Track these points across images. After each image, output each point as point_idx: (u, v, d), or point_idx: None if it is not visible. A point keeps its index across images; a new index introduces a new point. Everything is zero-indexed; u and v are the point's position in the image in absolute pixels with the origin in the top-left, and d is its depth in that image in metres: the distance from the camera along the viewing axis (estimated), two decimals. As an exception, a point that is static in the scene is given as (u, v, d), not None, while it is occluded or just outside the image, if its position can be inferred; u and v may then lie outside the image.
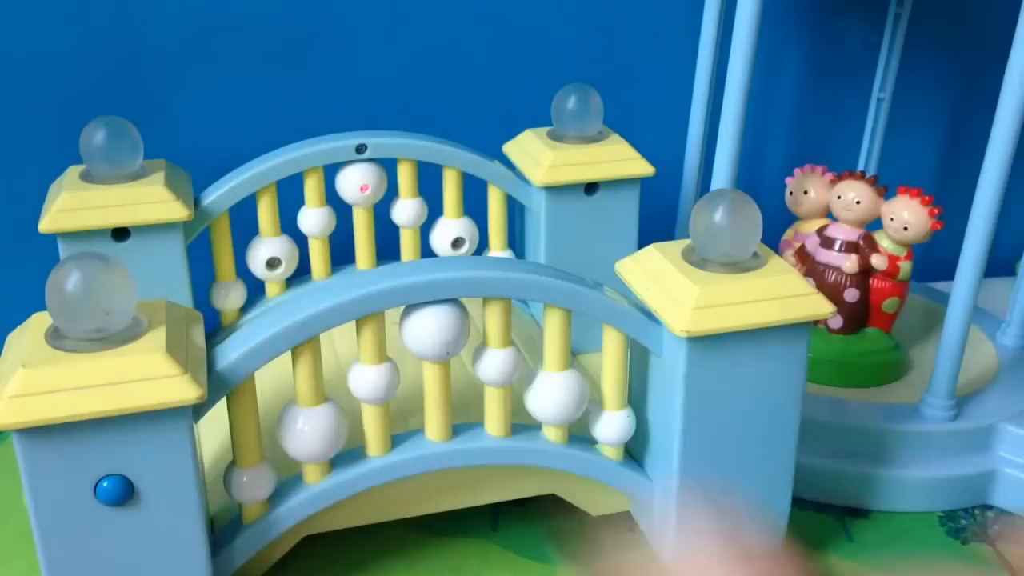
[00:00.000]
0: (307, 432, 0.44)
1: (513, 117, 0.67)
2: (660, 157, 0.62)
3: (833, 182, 0.63)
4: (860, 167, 0.76)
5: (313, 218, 0.61)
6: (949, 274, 0.57)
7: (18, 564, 0.51)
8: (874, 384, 0.61)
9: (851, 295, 0.61)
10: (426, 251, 0.65)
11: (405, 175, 0.62)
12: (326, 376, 0.44)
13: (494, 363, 0.45)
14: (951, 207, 0.62)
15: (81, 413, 0.38)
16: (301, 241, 0.62)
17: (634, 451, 0.50)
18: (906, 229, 0.60)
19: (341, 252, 0.65)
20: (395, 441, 0.47)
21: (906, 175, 0.70)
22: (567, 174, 0.59)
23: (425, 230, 0.64)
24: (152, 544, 0.41)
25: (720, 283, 0.45)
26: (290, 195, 0.62)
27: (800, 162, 0.67)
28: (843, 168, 0.64)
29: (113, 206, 0.54)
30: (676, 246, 0.48)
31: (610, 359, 0.47)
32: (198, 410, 0.41)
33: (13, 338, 0.42)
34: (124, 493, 0.40)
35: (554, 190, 0.59)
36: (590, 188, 0.60)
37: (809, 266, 0.62)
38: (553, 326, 0.46)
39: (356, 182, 0.61)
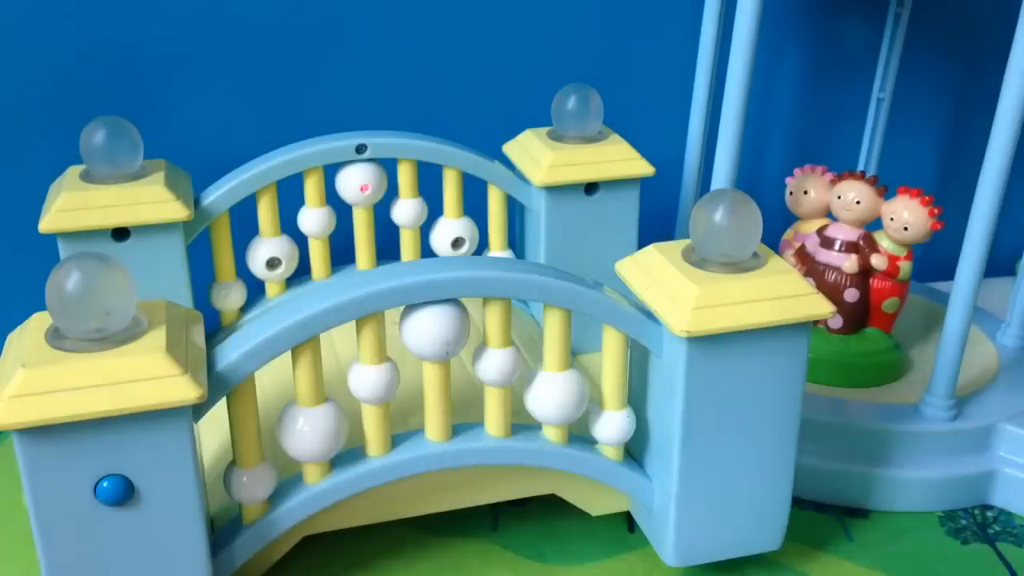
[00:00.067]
0: (307, 432, 0.44)
1: (513, 117, 0.67)
2: (660, 157, 0.62)
3: (833, 182, 0.63)
4: (860, 167, 0.76)
5: (313, 218, 0.61)
6: (949, 274, 0.57)
7: (18, 564, 0.51)
8: (874, 384, 0.61)
9: (851, 295, 0.61)
10: (426, 251, 0.65)
11: (405, 175, 0.62)
12: (326, 376, 0.44)
13: (494, 363, 0.45)
14: (951, 207, 0.62)
15: (81, 413, 0.38)
16: (301, 241, 0.62)
17: (634, 451, 0.50)
18: (906, 229, 0.60)
19: (341, 252, 0.65)
20: (395, 441, 0.47)
21: (906, 175, 0.70)
22: (567, 174, 0.59)
23: (425, 230, 0.64)
24: (152, 544, 0.41)
25: (720, 283, 0.45)
26: (290, 195, 0.62)
27: (800, 162, 0.67)
28: (843, 168, 0.64)
29: (113, 206, 0.54)
30: (676, 246, 0.48)
31: (610, 359, 0.47)
32: (198, 410, 0.41)
33: (13, 338, 0.42)
34: (124, 493, 0.40)
35: (554, 190, 0.59)
36: (590, 188, 0.60)
37: (809, 266, 0.63)
38: (553, 326, 0.46)
39: (356, 182, 0.61)
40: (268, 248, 0.61)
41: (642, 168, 0.60)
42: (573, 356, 0.56)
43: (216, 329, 0.61)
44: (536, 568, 0.51)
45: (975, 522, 0.56)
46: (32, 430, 0.38)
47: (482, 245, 0.65)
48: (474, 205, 0.64)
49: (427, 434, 0.47)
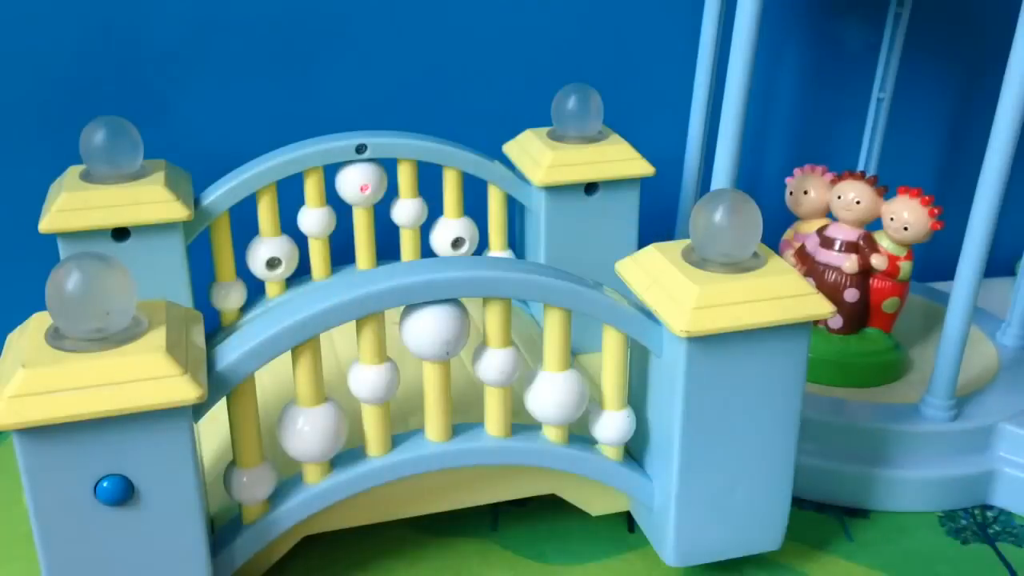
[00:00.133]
0: (307, 432, 0.44)
1: (513, 117, 0.67)
2: (660, 157, 0.62)
3: (833, 182, 0.63)
4: (860, 167, 0.76)
5: (313, 218, 0.61)
6: (949, 274, 0.57)
7: (18, 564, 0.51)
8: (874, 384, 0.61)
9: (851, 295, 0.61)
10: (426, 251, 0.65)
11: (405, 175, 0.62)
12: (326, 376, 0.44)
13: (494, 363, 0.45)
14: (951, 207, 0.62)
15: (81, 413, 0.38)
16: (301, 241, 0.62)
17: (634, 451, 0.50)
18: (906, 229, 0.60)
19: (341, 252, 0.65)
20: (395, 441, 0.47)
21: (906, 175, 0.70)
22: (567, 174, 0.59)
23: (425, 230, 0.64)
24: (152, 544, 0.41)
25: (720, 283, 0.45)
26: (290, 195, 0.62)
27: (800, 162, 0.67)
28: (843, 168, 0.64)
29: (113, 206, 0.54)
30: (676, 246, 0.48)
31: (610, 359, 0.47)
32: (198, 410, 0.41)
33: (13, 338, 0.42)
34: (124, 493, 0.40)
35: (554, 190, 0.59)
36: (590, 188, 0.60)
37: (809, 266, 0.63)
38: (553, 326, 0.46)
39: (356, 182, 0.61)
40: (268, 248, 0.61)
41: (642, 168, 0.60)
42: (573, 356, 0.56)
43: (216, 329, 0.61)
44: (536, 568, 0.51)
45: (975, 522, 0.56)
46: (32, 430, 0.38)
47: (482, 245, 0.65)
48: (474, 205, 0.64)
49: (427, 434, 0.47)
